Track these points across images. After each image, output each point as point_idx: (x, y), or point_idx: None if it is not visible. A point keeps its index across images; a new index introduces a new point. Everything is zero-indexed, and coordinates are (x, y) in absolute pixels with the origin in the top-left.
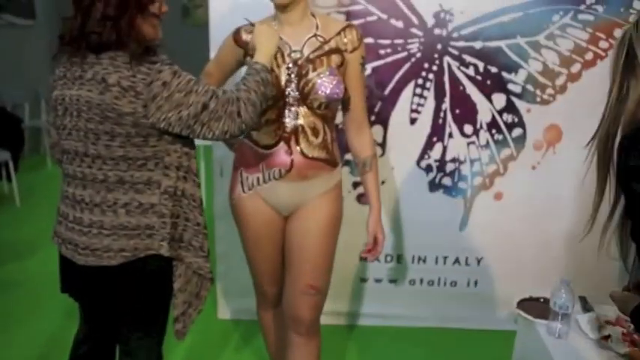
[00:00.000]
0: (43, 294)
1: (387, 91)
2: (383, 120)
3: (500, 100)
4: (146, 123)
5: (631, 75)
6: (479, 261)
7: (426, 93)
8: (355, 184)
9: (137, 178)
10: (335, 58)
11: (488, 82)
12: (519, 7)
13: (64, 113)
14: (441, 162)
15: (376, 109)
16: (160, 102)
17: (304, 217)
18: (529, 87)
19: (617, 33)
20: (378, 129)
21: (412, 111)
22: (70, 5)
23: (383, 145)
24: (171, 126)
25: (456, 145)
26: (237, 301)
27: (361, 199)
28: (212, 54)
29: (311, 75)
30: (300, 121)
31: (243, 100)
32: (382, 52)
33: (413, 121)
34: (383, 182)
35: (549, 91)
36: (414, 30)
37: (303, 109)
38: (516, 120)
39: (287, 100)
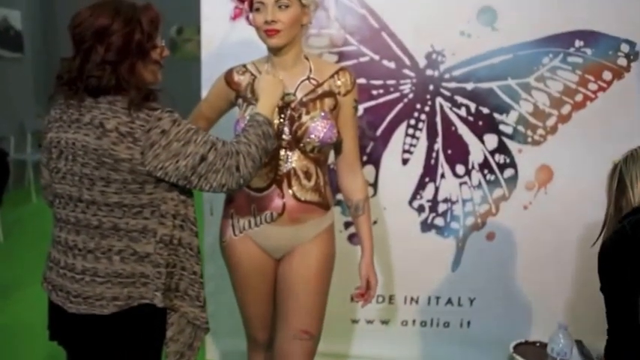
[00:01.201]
0: (25, 338)
1: (379, 132)
2: (375, 160)
3: (492, 140)
4: (143, 170)
5: (623, 197)
6: (472, 301)
7: (418, 133)
8: (347, 224)
9: (132, 226)
10: (328, 102)
11: (480, 122)
12: (509, 49)
13: (59, 156)
14: (434, 202)
15: (368, 150)
16: (158, 150)
17: (296, 260)
18: (520, 128)
19: (606, 75)
20: (369, 169)
21: (404, 151)
22: (60, 42)
23: (375, 185)
24: (167, 175)
25: (449, 186)
26: (226, 342)
27: (352, 239)
28: (203, 91)
29: (304, 118)
30: (293, 164)
31: (242, 154)
32: (374, 92)
33: (405, 161)
34: (375, 222)
35: (540, 131)
36: (406, 71)
37: (295, 153)
38: (508, 160)
39: (279, 143)
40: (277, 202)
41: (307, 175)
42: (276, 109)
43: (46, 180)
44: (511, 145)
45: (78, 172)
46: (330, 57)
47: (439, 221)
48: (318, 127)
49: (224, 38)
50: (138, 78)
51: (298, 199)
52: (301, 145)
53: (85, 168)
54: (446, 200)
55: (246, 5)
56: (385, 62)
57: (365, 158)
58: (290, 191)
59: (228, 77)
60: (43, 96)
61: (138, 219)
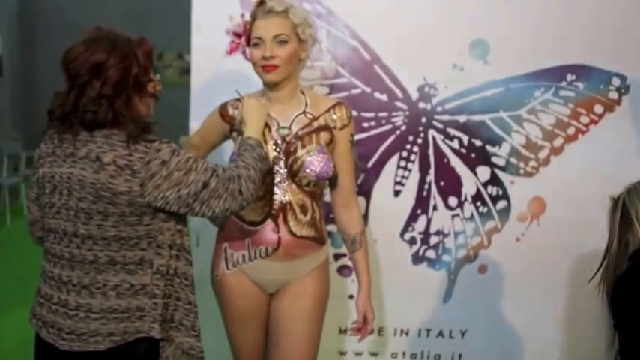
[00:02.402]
0: None
1: (370, 164)
2: (366, 192)
3: (484, 172)
4: (142, 202)
5: (628, 230)
6: (463, 334)
7: (410, 165)
8: (336, 256)
9: (129, 258)
10: (324, 136)
11: (473, 155)
12: (501, 82)
13: (53, 191)
14: (425, 234)
15: (359, 181)
16: (159, 181)
17: (291, 296)
18: (512, 160)
19: (598, 109)
20: (360, 201)
21: (396, 183)
22: (37, 67)
23: (365, 216)
24: (169, 204)
25: (441, 218)
26: None
27: (342, 271)
28: (192, 123)
29: (300, 152)
30: (289, 199)
31: (244, 178)
32: (366, 125)
33: (397, 193)
34: None
35: (532, 163)
36: (398, 103)
37: (291, 187)
38: (501, 192)
39: (274, 176)
40: (272, 237)
41: (303, 209)
42: (271, 142)
43: (34, 216)
44: (503, 177)
45: (74, 207)
46: (321, 89)
47: (431, 253)
48: (314, 162)
49: (214, 70)
50: (134, 111)
51: (294, 234)
52: (297, 179)
53: (81, 202)
54: (438, 232)
55: (243, 40)
56: (377, 94)
57: (356, 190)
58: (285, 226)
59: (222, 111)
60: (20, 119)
61: (135, 250)
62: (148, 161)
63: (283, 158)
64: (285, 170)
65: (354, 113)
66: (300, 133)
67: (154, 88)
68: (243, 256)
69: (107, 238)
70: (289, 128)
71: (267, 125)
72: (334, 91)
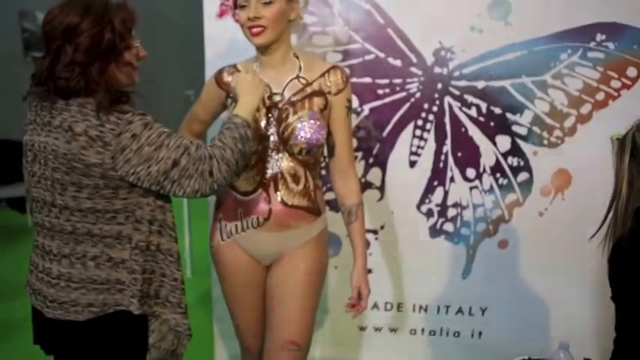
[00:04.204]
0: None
1: (385, 133)
2: (381, 162)
3: (504, 142)
4: (115, 175)
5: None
6: (483, 311)
7: (425, 135)
8: None
9: (106, 232)
10: (318, 101)
11: (492, 123)
12: (524, 44)
13: (34, 160)
14: (443, 207)
15: (374, 151)
16: (129, 155)
17: (284, 268)
18: (535, 129)
19: (631, 72)
20: (376, 171)
21: (412, 153)
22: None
23: (381, 188)
24: (140, 180)
25: (458, 190)
26: (236, 345)
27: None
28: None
29: (291, 119)
30: (280, 167)
31: (216, 158)
32: (380, 92)
33: (412, 163)
34: (382, 227)
35: (557, 133)
36: (413, 69)
37: (283, 155)
38: (522, 164)
39: (266, 144)
40: (263, 207)
41: (295, 178)
42: (263, 110)
43: (27, 184)
44: (525, 147)
45: (50, 177)
46: (334, 56)
47: (448, 227)
48: (305, 128)
49: (228, 37)
50: (110, 80)
51: (285, 204)
52: (288, 146)
53: (56, 173)
54: (455, 205)
55: (230, 2)
56: (391, 60)
57: (371, 160)
58: (277, 195)
59: (218, 77)
60: None
61: (112, 224)
62: (119, 133)
63: (275, 125)
64: (277, 138)
65: (368, 80)
66: (292, 98)
67: (135, 57)
68: (236, 226)
69: (83, 210)
70: (282, 94)
71: None
72: (347, 57)
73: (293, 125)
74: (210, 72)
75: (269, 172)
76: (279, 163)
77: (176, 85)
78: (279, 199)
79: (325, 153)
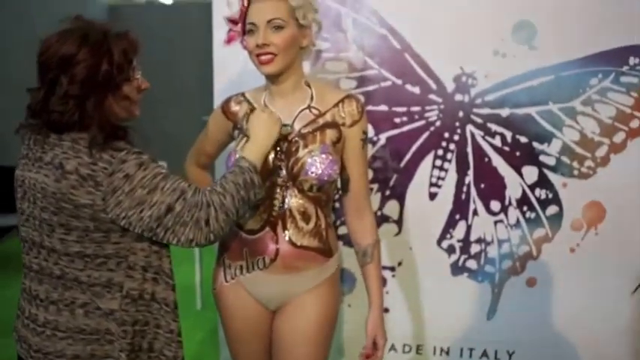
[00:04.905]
0: None
1: (403, 163)
2: (399, 194)
3: (531, 173)
4: (106, 218)
5: None
6: (510, 355)
7: (446, 165)
8: None
9: (95, 279)
10: (330, 134)
11: (518, 153)
12: (550, 69)
13: (23, 197)
14: (465, 242)
15: (391, 183)
16: (121, 197)
17: (293, 314)
18: (564, 159)
19: None
20: (393, 204)
21: (431, 185)
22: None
23: (399, 222)
24: (131, 225)
25: (482, 224)
26: None
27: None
28: None
29: (301, 153)
30: (289, 205)
31: (214, 206)
32: (397, 120)
33: (432, 196)
34: (400, 263)
35: (588, 163)
36: (432, 96)
37: (292, 191)
38: (551, 196)
39: (274, 180)
40: (270, 247)
41: (305, 216)
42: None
43: (18, 221)
44: (554, 178)
45: (38, 217)
46: (348, 82)
47: (472, 264)
48: (316, 163)
49: (239, 65)
50: (107, 114)
51: (294, 244)
52: (298, 182)
53: (44, 212)
54: (479, 240)
55: (239, 28)
56: (409, 87)
57: (388, 193)
58: (285, 235)
59: (225, 107)
60: None
61: (102, 271)
62: (111, 173)
63: (284, 159)
64: (286, 173)
65: (384, 108)
66: (303, 130)
67: (136, 89)
68: (241, 267)
69: (70, 254)
70: (291, 126)
71: None
72: (363, 84)
73: (303, 160)
74: (219, 100)
75: (277, 209)
76: (288, 200)
77: (193, 110)
78: (287, 238)
79: (338, 184)
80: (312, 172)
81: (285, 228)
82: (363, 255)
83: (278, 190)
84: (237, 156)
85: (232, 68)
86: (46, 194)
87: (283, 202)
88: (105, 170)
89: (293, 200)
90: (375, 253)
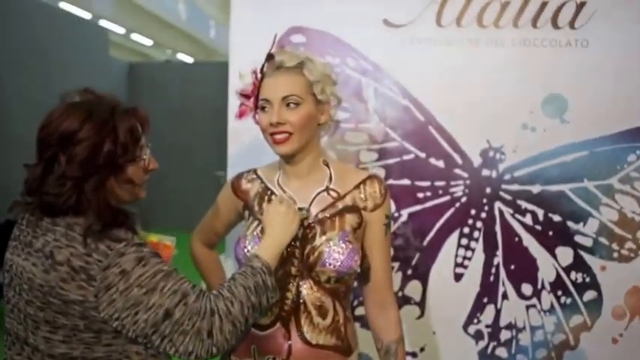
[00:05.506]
0: None
1: (426, 241)
2: (421, 275)
3: (566, 254)
4: (97, 317)
5: None
6: None
7: (473, 244)
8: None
9: None
10: (350, 219)
11: (551, 232)
12: (584, 144)
13: (10, 284)
14: (494, 328)
15: (413, 262)
16: (115, 295)
17: None
18: (602, 240)
19: None
20: (415, 285)
21: (457, 265)
22: None
23: (422, 304)
24: (125, 328)
25: (512, 309)
26: None
27: None
28: None
29: (318, 240)
30: (303, 297)
31: (219, 314)
32: (420, 195)
33: (458, 277)
34: (422, 349)
35: (629, 245)
36: (457, 171)
37: (307, 283)
38: (588, 280)
39: (288, 269)
40: (281, 345)
41: (322, 311)
42: None
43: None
44: (591, 260)
45: (23, 310)
46: (369, 154)
47: (502, 352)
48: (334, 254)
49: (252, 136)
50: (107, 197)
51: (309, 343)
52: (314, 273)
53: (29, 307)
54: (510, 326)
55: (251, 103)
56: (433, 160)
57: (410, 272)
58: (298, 331)
59: (235, 184)
60: None
61: None
62: (106, 266)
63: (299, 247)
64: (301, 262)
65: (407, 182)
66: (320, 215)
67: (142, 169)
68: None
69: (55, 355)
70: (308, 209)
71: None
72: (384, 156)
73: (320, 249)
74: (232, 166)
75: (290, 302)
76: (303, 292)
77: (208, 165)
78: (301, 336)
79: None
80: (329, 264)
81: (298, 324)
82: (386, 353)
83: (291, 281)
84: (248, 246)
85: (246, 137)
86: (33, 286)
87: (297, 294)
88: (99, 263)
89: (308, 293)
90: (399, 350)
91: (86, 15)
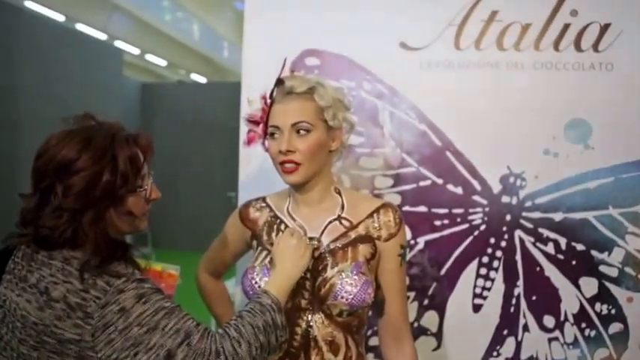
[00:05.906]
0: None
1: (443, 271)
2: (438, 305)
3: (590, 285)
4: (94, 357)
5: None
6: None
7: (492, 274)
8: None
9: None
10: (364, 250)
11: (574, 262)
12: (609, 171)
13: (3, 320)
14: None
15: (430, 292)
16: (113, 335)
17: None
18: (629, 270)
19: None
20: (432, 315)
21: (476, 296)
22: None
23: (438, 335)
24: None
25: (534, 341)
26: None
27: None
28: None
29: (330, 272)
30: (314, 332)
31: (225, 354)
32: (438, 223)
33: (477, 308)
34: None
35: None
36: (476, 197)
37: (318, 316)
38: (614, 312)
39: (297, 302)
40: None
41: (333, 347)
42: None
43: None
44: (617, 292)
45: (16, 349)
46: (384, 180)
47: None
48: (346, 287)
49: (260, 162)
50: (106, 230)
51: None
52: (325, 307)
53: (22, 345)
54: None
55: (260, 129)
56: (450, 187)
57: (426, 302)
58: None
59: (243, 213)
60: None
61: None
62: (105, 304)
63: (309, 279)
64: (311, 295)
65: (424, 209)
66: (332, 245)
67: (144, 199)
68: None
69: None
70: (319, 239)
71: None
72: (399, 182)
73: (332, 281)
74: (243, 192)
75: (299, 338)
76: (313, 326)
77: (220, 186)
78: None
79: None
80: (342, 297)
81: None
82: None
83: (301, 315)
84: (256, 277)
85: (258, 159)
86: (26, 324)
87: (307, 329)
88: (97, 300)
89: (319, 327)
90: None
91: (102, 36)
